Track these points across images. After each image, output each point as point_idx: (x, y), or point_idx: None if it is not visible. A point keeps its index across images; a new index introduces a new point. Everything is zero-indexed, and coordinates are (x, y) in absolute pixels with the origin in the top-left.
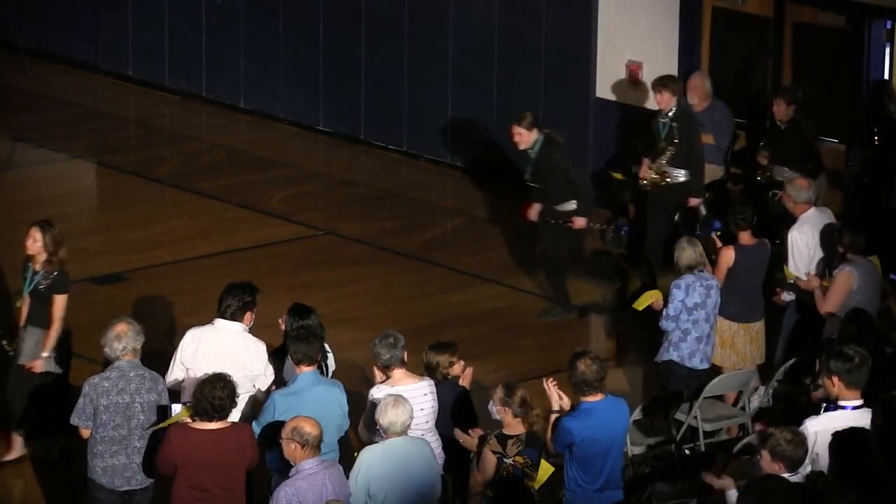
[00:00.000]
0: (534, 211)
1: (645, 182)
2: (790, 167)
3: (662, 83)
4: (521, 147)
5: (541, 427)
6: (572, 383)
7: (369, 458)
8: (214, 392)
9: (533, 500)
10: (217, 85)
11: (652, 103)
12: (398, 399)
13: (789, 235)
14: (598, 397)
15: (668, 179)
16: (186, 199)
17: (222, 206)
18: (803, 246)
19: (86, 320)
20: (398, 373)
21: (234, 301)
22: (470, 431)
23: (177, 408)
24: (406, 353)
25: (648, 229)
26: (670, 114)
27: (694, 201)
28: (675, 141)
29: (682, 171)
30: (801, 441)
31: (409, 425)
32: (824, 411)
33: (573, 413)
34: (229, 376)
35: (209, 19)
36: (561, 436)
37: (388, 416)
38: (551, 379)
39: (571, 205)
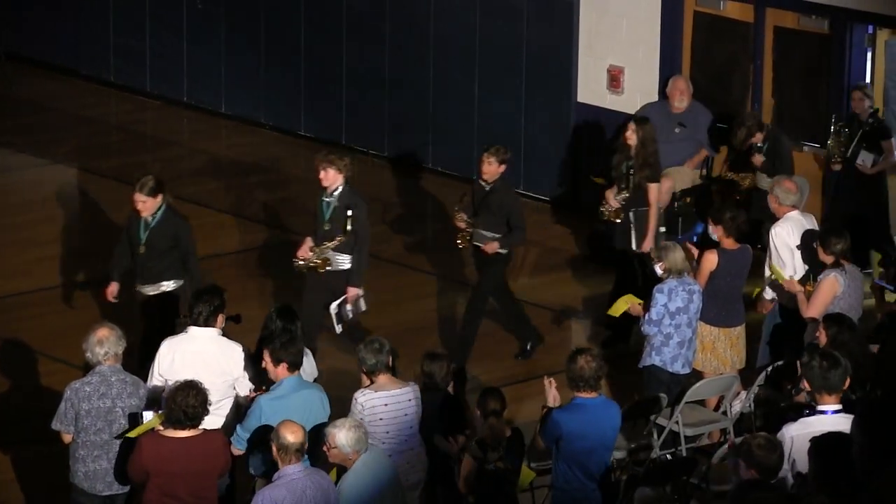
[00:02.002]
0: (113, 290)
1: (302, 264)
2: (493, 231)
3: (328, 159)
4: (144, 215)
5: (500, 432)
6: (569, 378)
7: (362, 483)
8: (187, 400)
9: None
10: (198, 90)
11: (633, 107)
12: (355, 424)
13: (771, 231)
14: (591, 395)
15: (330, 267)
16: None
17: (204, 212)
18: (786, 236)
19: (67, 325)
20: (383, 378)
21: (204, 307)
22: (450, 438)
23: (148, 415)
24: (390, 358)
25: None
26: (335, 193)
27: (352, 292)
28: (336, 222)
29: (347, 258)
30: (773, 447)
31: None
32: (803, 417)
33: (564, 406)
34: (201, 384)
35: (190, 24)
36: (549, 427)
37: (352, 439)
38: (550, 378)
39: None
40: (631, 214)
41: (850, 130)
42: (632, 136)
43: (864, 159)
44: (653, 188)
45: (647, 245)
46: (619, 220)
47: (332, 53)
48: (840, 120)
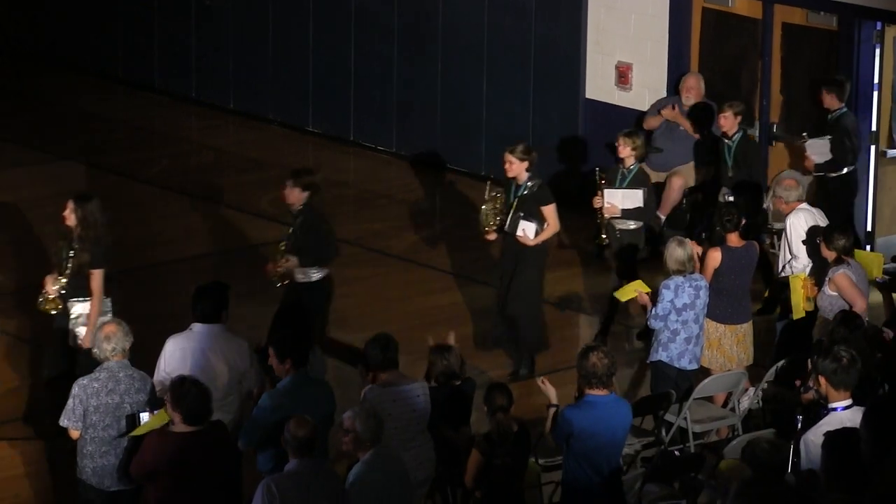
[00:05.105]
0: None
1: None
2: None
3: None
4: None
5: (507, 427)
6: (581, 375)
7: (370, 479)
8: (188, 399)
9: (521, 501)
10: (206, 86)
11: (641, 103)
12: (372, 412)
13: (787, 221)
14: (602, 392)
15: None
16: (175, 201)
17: (212, 207)
18: (801, 225)
19: None
20: (391, 374)
21: (208, 303)
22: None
23: (145, 416)
24: (398, 354)
25: None
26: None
27: None
28: None
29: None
30: (777, 446)
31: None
32: (819, 419)
33: (575, 404)
34: (201, 382)
35: (198, 20)
36: (560, 425)
37: (368, 426)
38: (543, 378)
39: None
40: (70, 304)
41: (506, 196)
42: (70, 217)
43: (526, 228)
44: (96, 275)
45: (88, 341)
46: (55, 312)
47: (340, 49)
48: (497, 186)
